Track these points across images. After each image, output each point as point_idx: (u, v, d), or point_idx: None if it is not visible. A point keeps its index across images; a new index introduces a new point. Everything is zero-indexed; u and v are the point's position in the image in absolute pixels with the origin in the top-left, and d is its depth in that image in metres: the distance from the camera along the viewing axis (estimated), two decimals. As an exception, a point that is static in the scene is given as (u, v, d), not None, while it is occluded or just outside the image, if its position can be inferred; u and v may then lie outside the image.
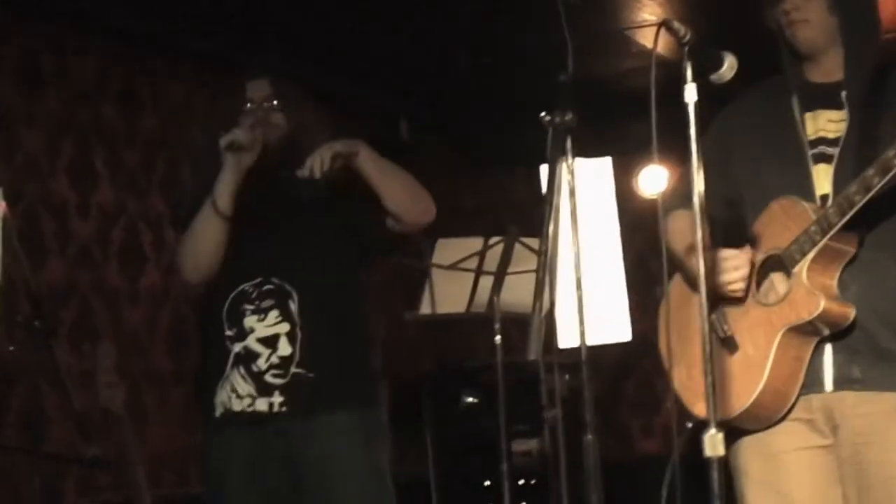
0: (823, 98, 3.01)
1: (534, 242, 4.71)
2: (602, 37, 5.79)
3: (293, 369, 3.43)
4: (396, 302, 6.16)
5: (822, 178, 2.96)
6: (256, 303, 3.47)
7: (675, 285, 3.18)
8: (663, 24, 2.65)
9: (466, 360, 6.40)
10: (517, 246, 4.79)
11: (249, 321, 3.47)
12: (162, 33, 5.66)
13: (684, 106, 2.58)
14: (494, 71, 6.12)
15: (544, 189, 2.69)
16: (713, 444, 2.50)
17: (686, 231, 2.89)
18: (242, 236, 3.50)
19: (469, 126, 6.55)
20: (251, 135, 3.45)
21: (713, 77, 2.67)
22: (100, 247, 5.55)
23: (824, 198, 2.94)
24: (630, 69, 6.36)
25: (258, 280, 3.48)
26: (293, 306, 3.46)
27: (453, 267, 4.79)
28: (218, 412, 3.49)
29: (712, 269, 2.95)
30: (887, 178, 2.76)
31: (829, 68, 3.03)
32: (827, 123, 3.00)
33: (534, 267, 4.65)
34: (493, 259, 4.81)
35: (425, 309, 4.90)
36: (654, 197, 6.85)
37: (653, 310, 3.33)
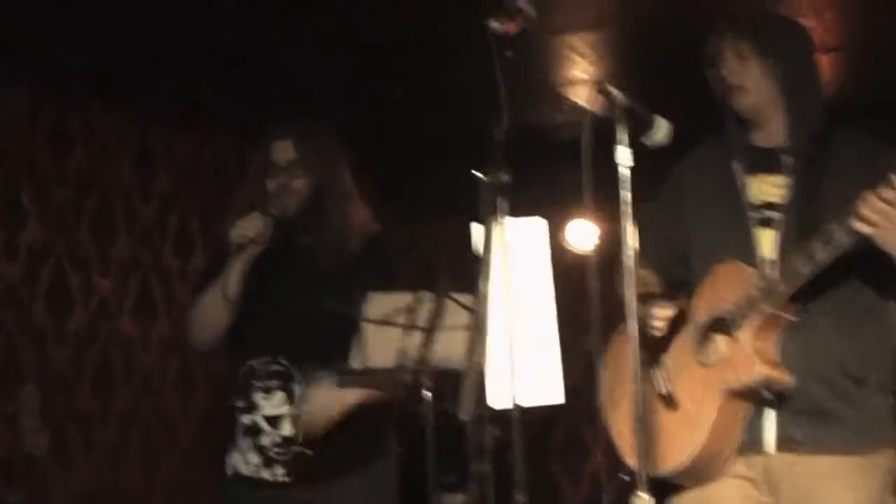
0: (766, 162, 3.05)
1: (466, 298, 4.72)
2: (535, 89, 5.84)
3: (294, 449, 3.58)
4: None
5: (766, 242, 3.01)
6: (264, 381, 3.62)
7: (619, 336, 3.22)
8: (598, 87, 2.69)
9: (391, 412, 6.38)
10: (448, 301, 4.79)
11: (257, 397, 3.63)
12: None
13: (615, 165, 2.63)
14: (426, 116, 6.14)
15: (477, 247, 2.70)
16: (642, 506, 2.53)
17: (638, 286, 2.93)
18: (255, 307, 3.62)
19: (400, 172, 6.57)
20: (260, 225, 3.52)
21: (645, 140, 2.71)
22: (26, 286, 5.48)
23: (767, 262, 2.98)
24: (562, 123, 6.41)
25: (266, 358, 3.62)
26: (297, 389, 3.60)
27: (384, 322, 4.78)
28: (230, 472, 3.68)
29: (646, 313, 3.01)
30: (831, 250, 2.79)
31: (771, 132, 3.07)
32: (770, 188, 3.04)
33: (465, 322, 4.70)
34: (423, 314, 4.81)
35: (356, 363, 4.88)
36: (582, 251, 6.90)
37: (581, 359, 3.38)
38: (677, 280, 3.18)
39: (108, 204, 5.97)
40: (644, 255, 2.93)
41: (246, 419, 3.66)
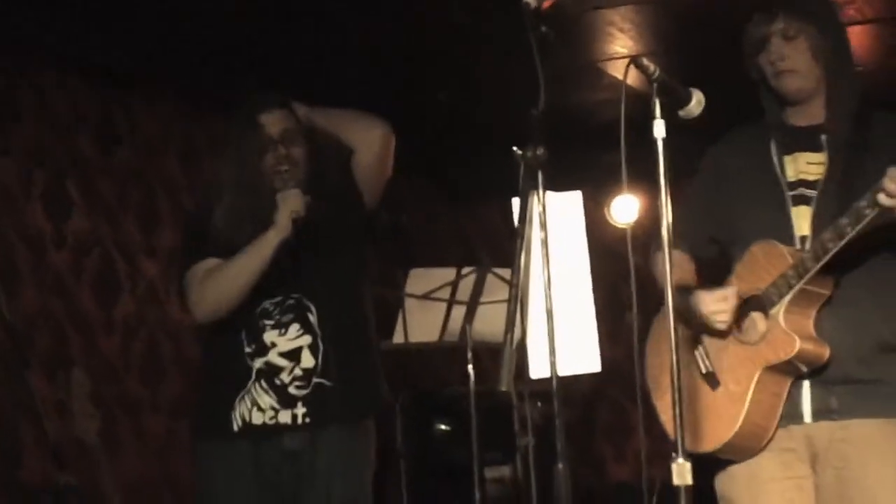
0: (804, 141, 3.09)
1: (506, 273, 4.75)
2: (573, 69, 5.85)
3: (315, 380, 3.53)
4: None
5: (802, 220, 3.05)
6: (277, 318, 3.55)
7: (661, 319, 3.25)
8: (632, 61, 2.71)
9: (439, 389, 6.43)
10: (489, 276, 4.84)
11: (270, 336, 3.56)
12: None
13: (653, 140, 2.65)
14: (469, 103, 6.16)
15: (516, 221, 2.73)
16: (681, 472, 2.56)
17: (679, 270, 3.01)
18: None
19: (444, 158, 6.59)
20: (306, 200, 3.50)
21: (681, 113, 2.74)
22: (74, 275, 5.55)
23: (804, 239, 3.03)
24: (601, 101, 6.41)
25: (278, 298, 3.56)
26: (312, 318, 3.55)
27: (426, 297, 4.83)
28: (236, 426, 3.56)
29: (696, 304, 3.05)
30: (860, 226, 2.84)
31: (811, 112, 3.11)
32: (807, 166, 3.08)
33: (505, 297, 4.73)
34: (465, 289, 4.86)
35: (398, 338, 4.94)
36: (626, 226, 6.92)
37: (623, 337, 3.41)
38: (707, 258, 3.23)
39: (154, 195, 6.04)
40: (677, 232, 2.95)
41: (258, 363, 3.56)
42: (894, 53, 6.21)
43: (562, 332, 2.68)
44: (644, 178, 2.68)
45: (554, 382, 2.68)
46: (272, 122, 3.59)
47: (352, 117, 3.71)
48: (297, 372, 3.53)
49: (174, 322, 5.90)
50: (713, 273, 3.21)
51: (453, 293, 4.84)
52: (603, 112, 6.34)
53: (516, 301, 2.61)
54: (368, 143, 3.65)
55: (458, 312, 4.88)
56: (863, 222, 2.84)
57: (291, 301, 3.56)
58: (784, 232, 3.05)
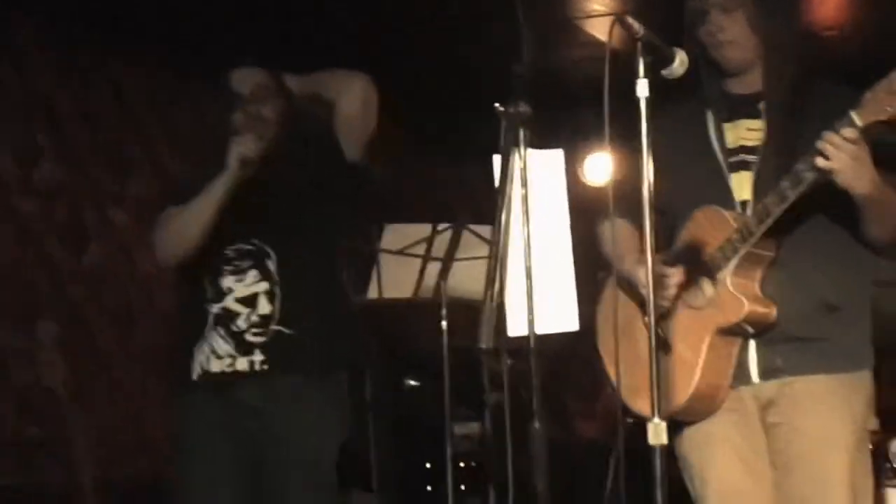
0: (743, 108, 3.15)
1: (482, 230, 4.76)
2: (553, 26, 5.83)
3: (273, 327, 3.48)
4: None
5: (744, 185, 3.11)
6: (235, 264, 3.52)
7: (609, 290, 3.31)
8: (618, 19, 2.70)
9: (412, 345, 6.44)
10: (465, 233, 4.83)
11: (227, 282, 3.51)
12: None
13: (632, 98, 2.64)
14: (449, 57, 6.13)
15: (496, 178, 2.72)
16: (656, 432, 2.58)
17: (623, 241, 3.11)
18: (227, 206, 3.50)
19: (423, 112, 6.57)
20: (260, 147, 3.46)
21: (664, 72, 2.75)
22: (42, 223, 5.50)
23: (744, 204, 3.09)
24: (579, 59, 6.40)
25: (238, 244, 3.52)
26: (271, 265, 3.51)
27: (401, 252, 4.83)
28: (195, 374, 3.52)
29: (639, 281, 3.07)
30: (800, 189, 2.90)
31: (749, 81, 3.16)
32: (747, 132, 3.14)
33: (481, 254, 4.75)
34: (441, 245, 4.85)
35: (372, 293, 4.93)
36: (600, 185, 6.92)
37: (596, 295, 3.42)
38: (655, 231, 3.25)
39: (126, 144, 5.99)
40: (623, 202, 2.96)
41: (216, 308, 3.52)
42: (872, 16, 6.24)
43: (540, 291, 2.67)
44: (617, 137, 2.67)
45: (532, 341, 2.68)
46: (242, 78, 3.58)
47: (331, 73, 3.69)
48: (254, 318, 3.48)
49: (145, 273, 5.86)
50: (659, 242, 3.22)
51: (429, 249, 4.83)
52: (581, 70, 6.32)
53: (497, 259, 2.60)
54: (348, 94, 3.63)
55: (433, 269, 4.87)
56: (803, 185, 2.89)
57: (250, 247, 3.53)
58: (724, 198, 3.10)
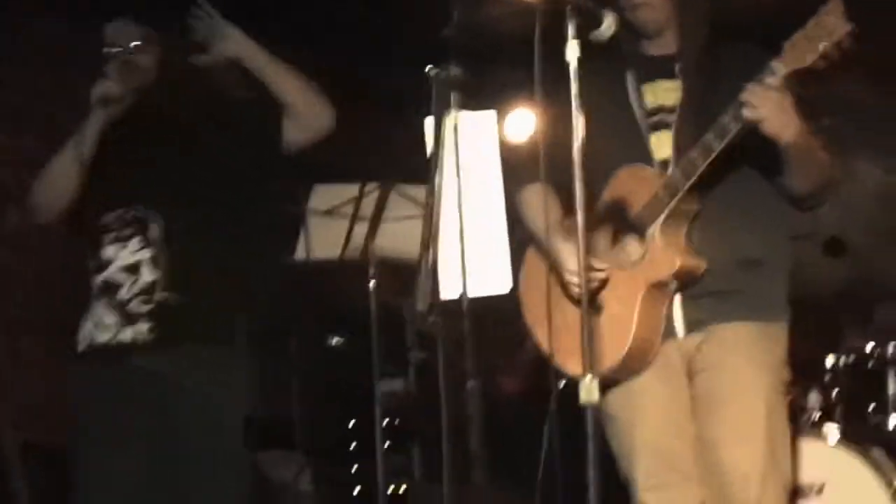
0: (660, 69, 3.22)
1: (410, 189, 4.77)
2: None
3: (157, 295, 3.40)
4: (271, 246, 6.14)
5: (664, 144, 3.18)
6: (117, 231, 3.43)
7: (531, 256, 3.36)
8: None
9: (337, 304, 6.44)
10: (393, 193, 4.83)
11: (109, 251, 3.43)
12: None
13: (557, 56, 2.67)
14: (379, 15, 6.08)
15: (428, 139, 2.74)
16: (589, 391, 2.63)
17: (541, 208, 3.09)
18: (104, 168, 3.43)
19: (352, 72, 6.53)
20: (122, 85, 3.38)
21: (593, 35, 2.77)
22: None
23: (664, 163, 3.16)
24: (501, 15, 6.38)
25: (120, 211, 3.44)
26: (156, 232, 3.42)
27: (329, 213, 4.83)
28: (82, 346, 3.45)
29: (565, 261, 3.13)
30: (726, 140, 2.97)
31: (664, 43, 3.24)
32: (665, 93, 3.21)
33: (410, 213, 4.76)
34: (369, 205, 4.85)
35: (300, 254, 4.92)
36: (521, 142, 6.92)
37: (521, 253, 3.46)
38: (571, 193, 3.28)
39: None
40: (543, 165, 2.98)
41: (98, 279, 3.44)
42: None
43: (474, 254, 2.71)
44: (545, 96, 2.70)
45: (464, 303, 2.72)
46: (117, 29, 3.45)
47: (304, 89, 3.52)
48: (137, 288, 3.41)
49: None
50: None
51: (357, 209, 4.84)
52: (506, 27, 6.30)
53: (430, 222, 2.63)
54: (307, 125, 3.52)
55: (362, 228, 4.87)
56: (728, 136, 2.96)
57: (133, 213, 3.44)
58: (644, 157, 3.17)
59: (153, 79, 3.47)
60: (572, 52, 2.67)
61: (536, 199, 3.20)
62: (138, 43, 3.45)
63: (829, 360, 4.45)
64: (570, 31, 2.67)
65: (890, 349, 4.41)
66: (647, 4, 3.17)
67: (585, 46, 2.71)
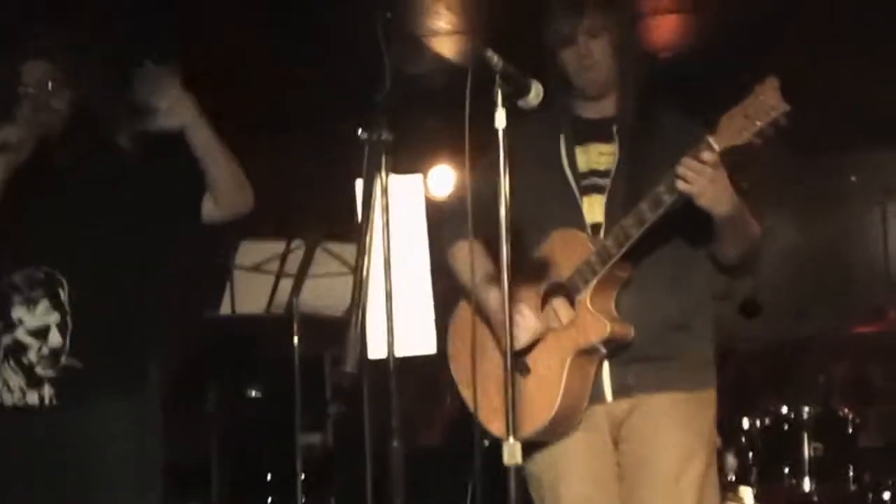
0: (595, 132, 3.24)
1: (335, 247, 4.82)
2: (404, 44, 5.87)
3: (63, 361, 3.36)
4: (196, 300, 6.09)
5: (595, 208, 3.19)
6: (25, 292, 3.38)
7: (461, 310, 3.38)
8: (476, 52, 2.75)
9: (258, 357, 6.44)
10: (318, 250, 4.87)
11: (17, 312, 3.38)
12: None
13: (483, 114, 2.68)
14: (312, 71, 6.11)
15: (359, 204, 2.76)
16: (512, 452, 2.64)
17: (472, 263, 3.05)
18: (12, 224, 3.37)
19: (283, 133, 6.56)
20: (24, 131, 3.33)
21: (520, 103, 2.78)
22: None
23: (596, 226, 3.17)
24: (426, 73, 6.46)
25: (28, 269, 3.38)
26: (63, 295, 3.37)
27: (255, 269, 4.85)
28: None
29: (495, 317, 3.13)
30: (660, 211, 3.00)
31: (603, 106, 3.26)
32: (598, 156, 3.22)
33: (333, 270, 4.79)
34: (294, 262, 4.89)
35: (225, 309, 4.93)
36: (440, 199, 6.98)
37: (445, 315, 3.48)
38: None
39: None
40: (473, 221, 2.99)
41: (6, 339, 3.39)
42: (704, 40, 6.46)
43: (400, 314, 2.73)
44: (459, 149, 2.73)
45: (391, 363, 2.73)
46: (32, 70, 3.40)
47: (233, 172, 3.47)
48: (45, 351, 3.36)
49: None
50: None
51: (282, 265, 4.87)
52: (426, 83, 6.37)
53: (360, 283, 2.64)
54: (226, 205, 3.49)
55: (286, 284, 4.90)
56: (662, 207, 2.99)
57: (41, 274, 3.39)
58: (576, 220, 3.18)
59: (62, 126, 3.40)
60: (500, 119, 2.70)
61: (464, 254, 3.22)
62: (51, 84, 3.39)
63: (745, 423, 4.52)
64: (499, 98, 2.70)
65: (805, 411, 4.49)
66: (597, 66, 3.18)
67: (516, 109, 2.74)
